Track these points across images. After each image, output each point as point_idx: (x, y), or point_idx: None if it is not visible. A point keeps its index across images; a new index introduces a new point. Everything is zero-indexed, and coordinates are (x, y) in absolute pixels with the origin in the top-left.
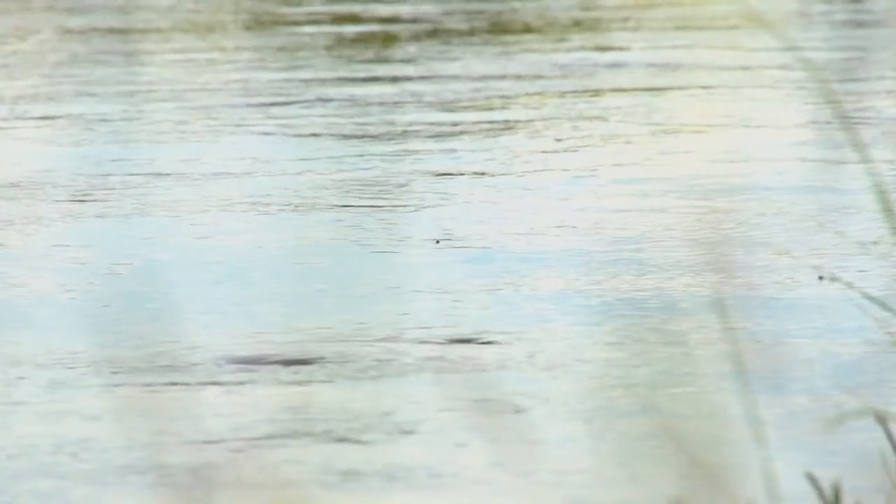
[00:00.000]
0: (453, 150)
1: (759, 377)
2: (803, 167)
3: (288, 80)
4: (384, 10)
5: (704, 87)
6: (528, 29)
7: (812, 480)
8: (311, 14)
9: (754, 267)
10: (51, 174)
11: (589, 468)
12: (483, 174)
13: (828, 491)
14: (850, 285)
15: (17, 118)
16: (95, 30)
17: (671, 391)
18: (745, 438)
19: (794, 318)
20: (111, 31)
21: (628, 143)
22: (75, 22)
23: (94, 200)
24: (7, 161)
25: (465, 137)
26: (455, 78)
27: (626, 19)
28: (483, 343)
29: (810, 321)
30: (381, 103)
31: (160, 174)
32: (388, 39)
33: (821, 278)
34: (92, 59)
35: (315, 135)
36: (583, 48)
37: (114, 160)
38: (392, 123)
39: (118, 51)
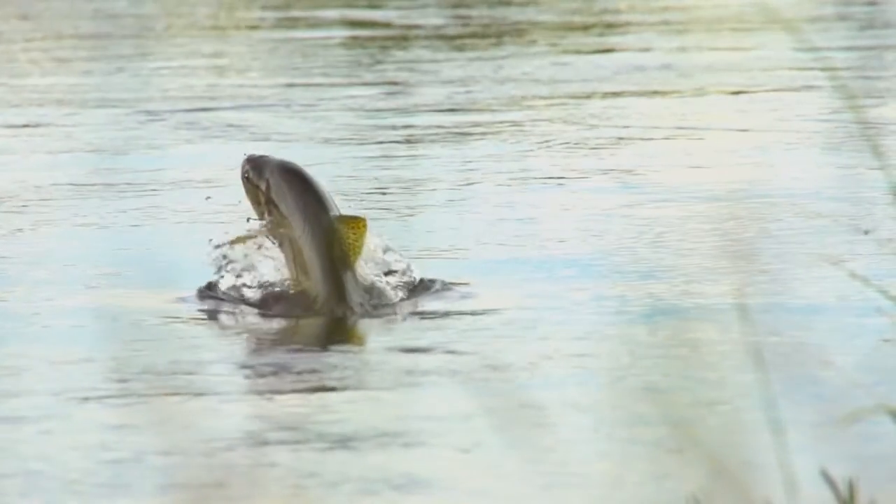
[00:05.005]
0: (465, 155)
1: (778, 377)
2: (821, 170)
3: (288, 86)
4: (392, 16)
5: (723, 90)
6: (539, 33)
7: (827, 478)
8: (308, 19)
9: (775, 269)
10: (47, 180)
11: (609, 469)
12: (494, 181)
13: (843, 488)
14: (868, 283)
15: None
16: (87, 34)
17: (692, 393)
18: (765, 438)
19: (814, 320)
20: (102, 35)
21: (645, 147)
22: (67, 27)
23: (81, 209)
24: None
25: (479, 141)
26: (469, 81)
27: (641, 21)
28: (499, 349)
29: (830, 322)
30: (386, 108)
31: (162, 181)
32: (395, 44)
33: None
34: (84, 64)
35: (321, 140)
36: (598, 51)
37: (108, 168)
38: (397, 127)
39: (112, 56)
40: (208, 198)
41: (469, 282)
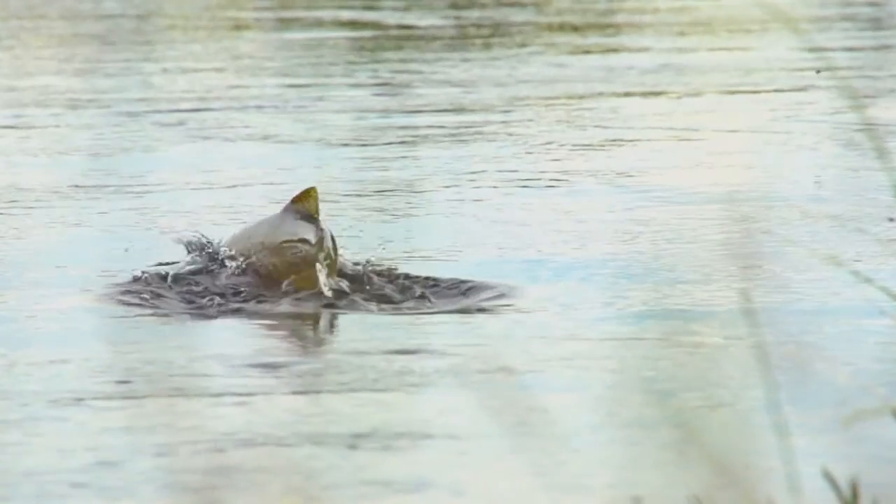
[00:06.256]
0: (463, 156)
1: (781, 378)
2: (824, 170)
3: (284, 86)
4: (389, 17)
5: (724, 90)
6: (537, 34)
7: (830, 478)
8: (304, 20)
9: (778, 270)
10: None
11: (612, 470)
12: (493, 182)
13: (845, 488)
14: (871, 282)
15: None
16: (80, 35)
17: (695, 394)
18: (768, 439)
19: (817, 321)
20: (95, 36)
21: (646, 148)
22: (63, 28)
23: (75, 210)
24: None
25: (477, 142)
26: (467, 82)
27: (640, 22)
28: (500, 350)
29: (833, 323)
30: (384, 109)
31: (157, 182)
32: (393, 45)
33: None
34: (77, 65)
35: (317, 141)
36: (598, 52)
37: (102, 169)
38: (394, 128)
39: (106, 57)
40: (126, 249)
41: (472, 283)
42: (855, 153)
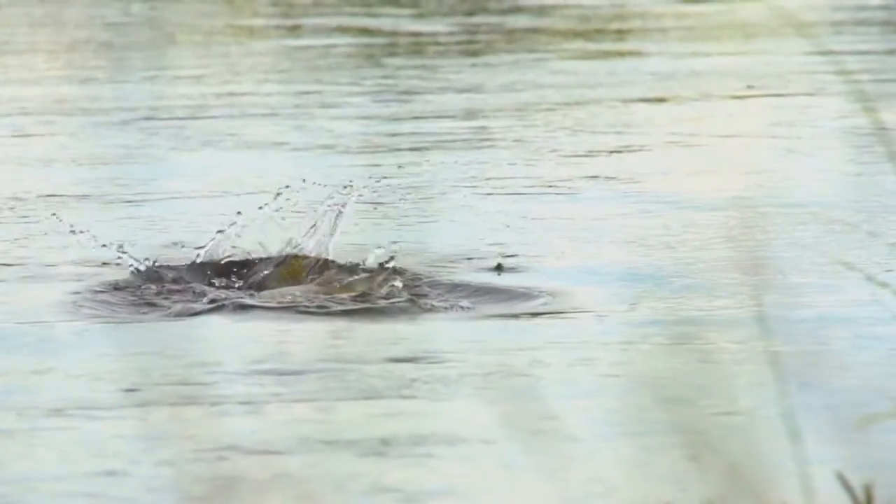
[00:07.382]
0: (470, 162)
1: (794, 384)
2: (835, 175)
3: (293, 94)
4: (396, 23)
5: (734, 95)
6: (546, 41)
7: (844, 482)
8: (311, 27)
9: (789, 276)
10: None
11: (625, 476)
12: (502, 188)
13: (859, 492)
14: (885, 286)
15: (20, 135)
16: (86, 42)
17: (708, 400)
18: (781, 444)
19: (830, 326)
20: (96, 44)
21: (656, 154)
22: (65, 36)
23: (77, 218)
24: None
25: (484, 149)
26: (473, 88)
27: (647, 27)
28: (516, 357)
29: (845, 329)
30: (390, 116)
31: (168, 190)
32: (399, 52)
33: (750, 86)
34: (78, 72)
35: (323, 147)
36: (607, 57)
37: (109, 177)
38: (400, 135)
39: (108, 65)
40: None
41: (480, 289)
42: (865, 157)
